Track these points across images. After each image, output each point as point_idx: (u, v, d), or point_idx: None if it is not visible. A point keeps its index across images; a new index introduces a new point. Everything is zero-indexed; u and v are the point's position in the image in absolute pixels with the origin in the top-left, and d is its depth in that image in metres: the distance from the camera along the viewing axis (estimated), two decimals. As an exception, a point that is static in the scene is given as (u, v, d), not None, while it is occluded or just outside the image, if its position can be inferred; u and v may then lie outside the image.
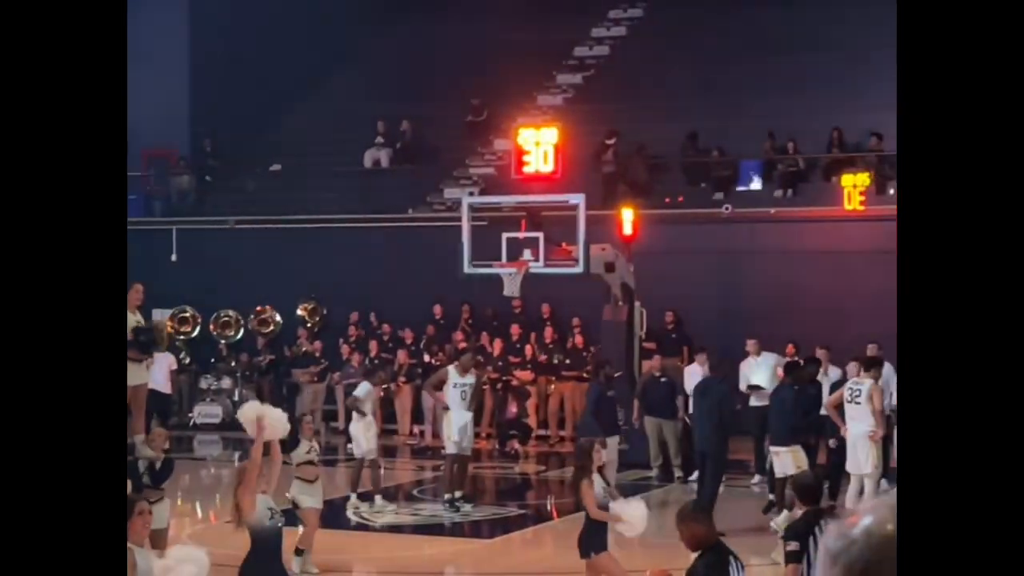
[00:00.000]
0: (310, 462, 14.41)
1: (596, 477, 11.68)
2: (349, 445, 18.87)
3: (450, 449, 17.77)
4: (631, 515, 11.68)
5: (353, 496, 17.55)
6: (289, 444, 13.09)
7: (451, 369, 18.20)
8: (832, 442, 17.65)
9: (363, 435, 17.48)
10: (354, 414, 17.95)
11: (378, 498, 17.57)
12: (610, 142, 26.60)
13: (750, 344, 20.17)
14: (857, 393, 16.00)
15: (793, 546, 8.74)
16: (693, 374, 19.69)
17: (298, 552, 14.01)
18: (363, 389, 18.04)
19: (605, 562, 11.52)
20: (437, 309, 25.84)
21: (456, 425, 17.67)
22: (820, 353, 19.71)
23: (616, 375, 18.97)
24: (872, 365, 16.53)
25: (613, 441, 17.58)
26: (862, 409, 15.86)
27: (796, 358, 19.39)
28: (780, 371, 18.72)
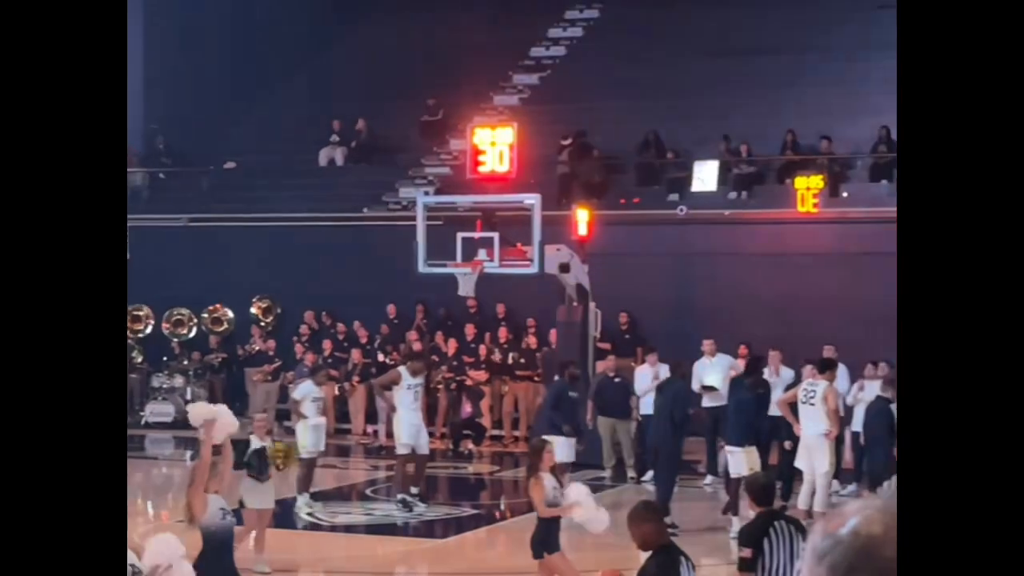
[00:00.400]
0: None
1: (547, 476, 11.71)
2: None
3: (401, 450, 17.74)
4: (583, 505, 11.68)
5: (300, 496, 17.45)
6: (241, 444, 13.03)
7: (403, 370, 18.16)
8: (788, 444, 17.76)
9: (301, 435, 17.43)
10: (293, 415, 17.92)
11: (304, 496, 17.44)
12: (566, 142, 26.64)
13: (706, 345, 20.24)
14: (812, 395, 16.10)
15: (746, 552, 8.69)
16: (643, 374, 19.76)
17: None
18: (300, 391, 17.96)
19: (557, 562, 11.54)
20: (391, 308, 25.79)
21: (409, 426, 17.64)
22: (772, 355, 19.82)
23: (576, 375, 19.04)
24: (827, 367, 16.63)
25: (571, 442, 17.63)
26: (817, 410, 15.96)
27: (749, 359, 19.50)
28: (735, 372, 18.80)
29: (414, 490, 17.83)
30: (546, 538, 11.53)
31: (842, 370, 18.11)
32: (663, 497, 16.39)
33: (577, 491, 11.83)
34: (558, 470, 16.28)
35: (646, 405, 19.12)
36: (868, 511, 2.05)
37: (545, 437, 14.58)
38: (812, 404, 16.05)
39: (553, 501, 11.59)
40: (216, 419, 10.41)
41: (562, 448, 17.41)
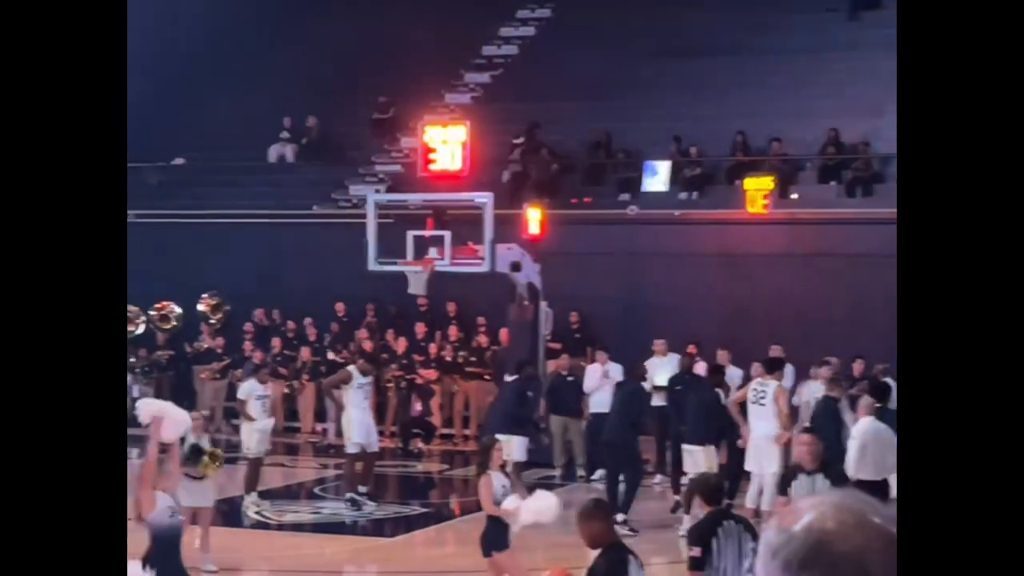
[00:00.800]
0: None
1: (496, 475, 11.72)
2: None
3: (351, 448, 17.70)
4: (531, 507, 11.70)
5: (248, 495, 17.36)
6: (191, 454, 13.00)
7: (353, 369, 18.13)
8: (741, 442, 17.83)
9: (246, 435, 17.40)
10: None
11: (252, 495, 17.39)
12: (518, 141, 26.66)
13: (657, 344, 20.30)
14: (762, 395, 16.18)
15: (696, 552, 8.74)
16: (593, 372, 19.79)
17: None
18: (243, 390, 17.89)
19: (506, 561, 11.55)
20: (340, 307, 25.71)
21: (360, 425, 17.61)
22: (721, 354, 19.93)
23: (534, 374, 19.10)
24: (775, 367, 16.73)
25: (525, 441, 17.68)
26: (767, 410, 16.05)
27: (697, 358, 19.61)
28: (700, 371, 18.85)
29: (363, 489, 17.79)
30: (495, 537, 11.54)
31: (788, 369, 18.23)
32: (629, 498, 16.45)
33: (538, 499, 11.83)
34: (513, 469, 16.35)
35: (596, 403, 19.15)
36: (822, 507, 2.07)
37: (500, 436, 14.66)
38: (762, 404, 16.13)
39: (502, 499, 11.61)
40: (165, 416, 10.33)
41: (518, 447, 17.45)
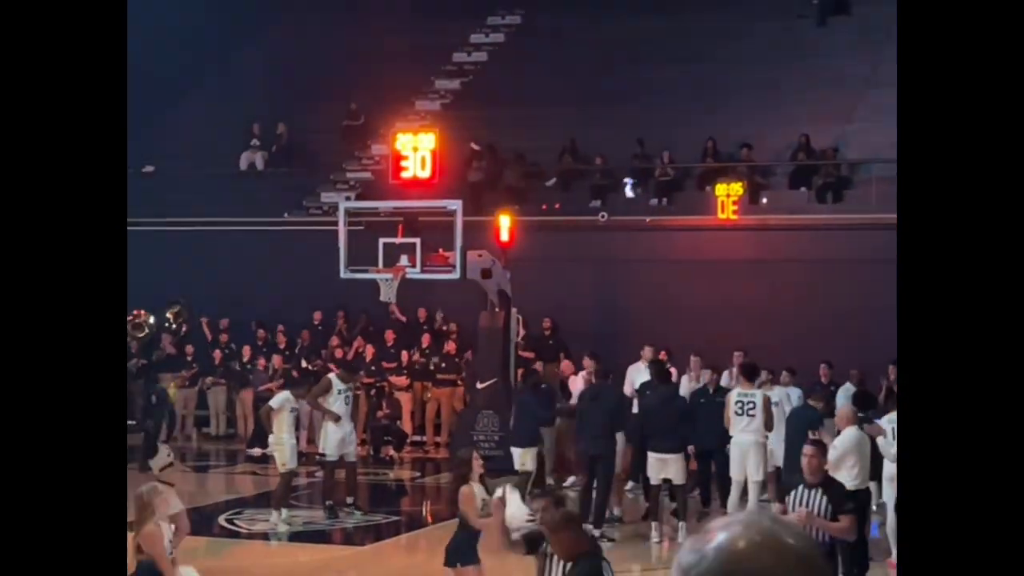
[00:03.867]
0: (170, 464, 13.97)
1: (476, 486, 11.57)
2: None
3: (331, 458, 17.65)
4: (512, 513, 11.61)
5: (277, 511, 17.23)
6: (148, 451, 12.86)
7: (333, 378, 18.07)
8: (690, 449, 17.78)
9: (278, 450, 17.18)
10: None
11: (283, 512, 17.28)
12: (477, 147, 26.66)
13: (646, 351, 20.16)
14: (751, 406, 16.17)
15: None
16: (578, 380, 19.54)
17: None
18: (277, 400, 17.49)
19: (469, 575, 11.32)
20: (317, 315, 25.67)
21: (336, 437, 17.55)
22: (693, 360, 19.91)
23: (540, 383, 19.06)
24: (755, 375, 16.71)
25: (533, 451, 17.62)
26: (756, 420, 16.06)
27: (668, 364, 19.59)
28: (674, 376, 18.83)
29: (349, 500, 17.75)
30: (465, 549, 11.28)
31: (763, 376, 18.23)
32: (602, 506, 16.38)
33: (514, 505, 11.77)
34: (525, 480, 16.41)
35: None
36: (733, 527, 2.11)
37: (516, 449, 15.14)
38: (751, 414, 16.11)
39: (482, 512, 11.45)
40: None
41: (529, 458, 17.32)
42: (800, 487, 10.82)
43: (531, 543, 9.19)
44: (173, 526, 10.16)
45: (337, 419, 17.52)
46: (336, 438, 17.52)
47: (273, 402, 17.51)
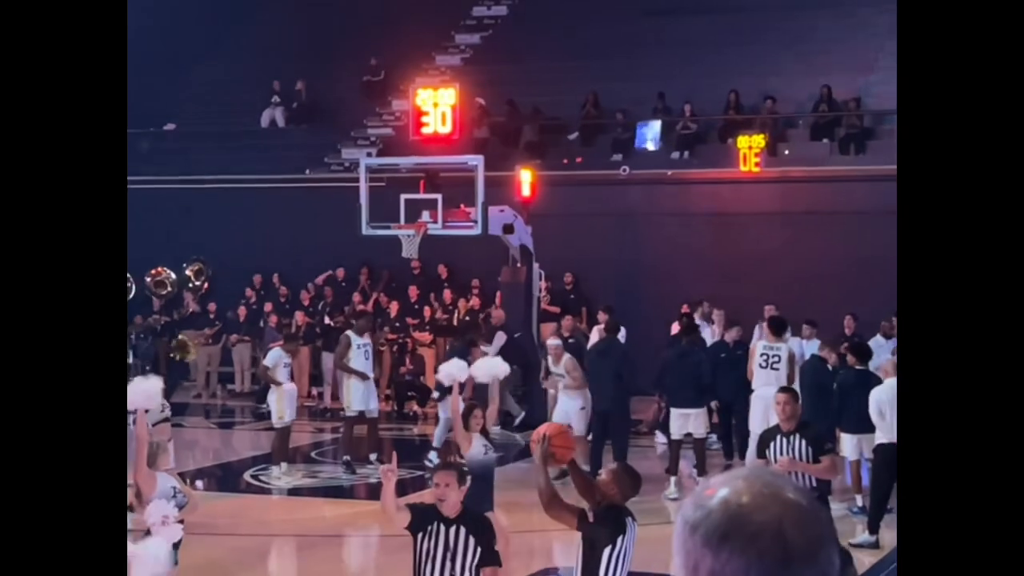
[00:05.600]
0: (166, 419, 14.00)
1: (477, 436, 11.82)
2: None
3: (350, 413, 17.76)
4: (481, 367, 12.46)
5: (277, 467, 17.38)
6: None
7: (350, 333, 18.15)
8: (714, 404, 17.83)
9: (275, 403, 17.34)
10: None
11: (283, 465, 17.43)
12: (482, 101, 26.63)
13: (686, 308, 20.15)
14: (776, 359, 16.18)
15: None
16: (596, 334, 19.50)
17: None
18: (271, 358, 17.74)
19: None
20: (340, 272, 25.77)
21: (358, 391, 17.65)
22: (716, 314, 19.91)
23: (516, 335, 19.04)
24: (783, 329, 16.70)
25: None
26: (781, 373, 16.07)
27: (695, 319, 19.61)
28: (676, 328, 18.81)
29: (373, 456, 17.86)
30: (477, 498, 11.41)
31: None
32: (621, 460, 16.39)
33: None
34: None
35: None
36: (735, 482, 2.13)
37: (690, 411, 15.92)
38: (776, 368, 16.12)
39: (481, 459, 11.67)
40: (140, 398, 9.97)
41: (704, 421, 16.90)
42: (778, 437, 10.89)
43: (419, 517, 8.11)
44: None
45: (364, 378, 17.64)
46: (357, 393, 17.63)
47: (267, 360, 17.69)
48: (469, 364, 13.79)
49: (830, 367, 15.90)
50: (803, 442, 10.75)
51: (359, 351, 17.78)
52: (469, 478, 8.51)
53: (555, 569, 13.36)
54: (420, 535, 8.04)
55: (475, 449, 11.67)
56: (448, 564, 7.97)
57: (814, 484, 10.69)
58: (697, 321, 19.85)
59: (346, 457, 17.76)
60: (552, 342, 17.46)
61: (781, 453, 10.79)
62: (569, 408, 16.71)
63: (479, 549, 8.01)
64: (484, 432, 12.00)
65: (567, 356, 17.03)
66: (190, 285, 26.86)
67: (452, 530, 8.02)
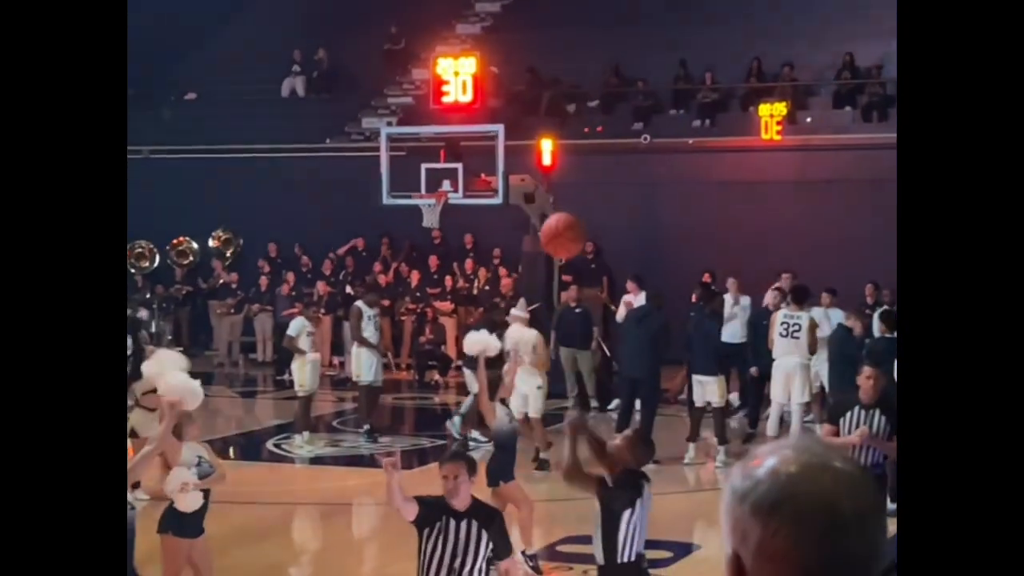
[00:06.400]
0: (154, 390, 13.91)
1: (499, 406, 11.90)
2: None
3: (364, 381, 17.86)
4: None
5: (299, 435, 17.46)
6: (133, 374, 12.81)
7: (360, 304, 18.30)
8: (754, 371, 17.87)
9: (298, 372, 17.43)
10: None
11: (305, 434, 17.52)
12: (495, 70, 26.54)
13: (708, 277, 20.12)
14: (796, 328, 16.15)
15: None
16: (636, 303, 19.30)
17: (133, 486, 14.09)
18: (294, 327, 17.81)
19: (511, 491, 11.63)
20: (360, 242, 25.80)
21: (367, 361, 17.77)
22: (729, 282, 19.86)
23: (535, 307, 19.01)
24: (805, 297, 16.65)
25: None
26: (801, 342, 16.03)
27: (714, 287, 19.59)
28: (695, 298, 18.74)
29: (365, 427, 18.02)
30: (502, 467, 11.66)
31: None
32: (647, 428, 16.41)
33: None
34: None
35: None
36: (783, 451, 2.11)
37: (706, 377, 15.87)
38: (796, 337, 16.09)
39: (509, 428, 11.75)
40: (185, 397, 9.90)
41: (721, 390, 16.75)
42: (856, 408, 10.83)
43: (428, 510, 7.88)
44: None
45: (374, 347, 17.74)
46: (369, 362, 17.74)
47: (291, 330, 17.77)
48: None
49: (856, 336, 15.87)
50: (883, 419, 10.71)
51: (369, 321, 18.01)
52: (479, 465, 8.43)
53: (577, 536, 13.41)
54: (427, 531, 7.72)
55: (499, 419, 11.74)
56: (456, 564, 7.65)
57: (881, 460, 10.66)
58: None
59: (366, 426, 17.85)
60: (516, 312, 16.85)
61: (857, 425, 10.75)
62: (527, 387, 15.90)
63: (491, 544, 7.74)
64: (504, 402, 12.07)
65: (535, 332, 16.73)
66: (220, 254, 26.93)
67: (463, 525, 7.70)
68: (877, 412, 10.72)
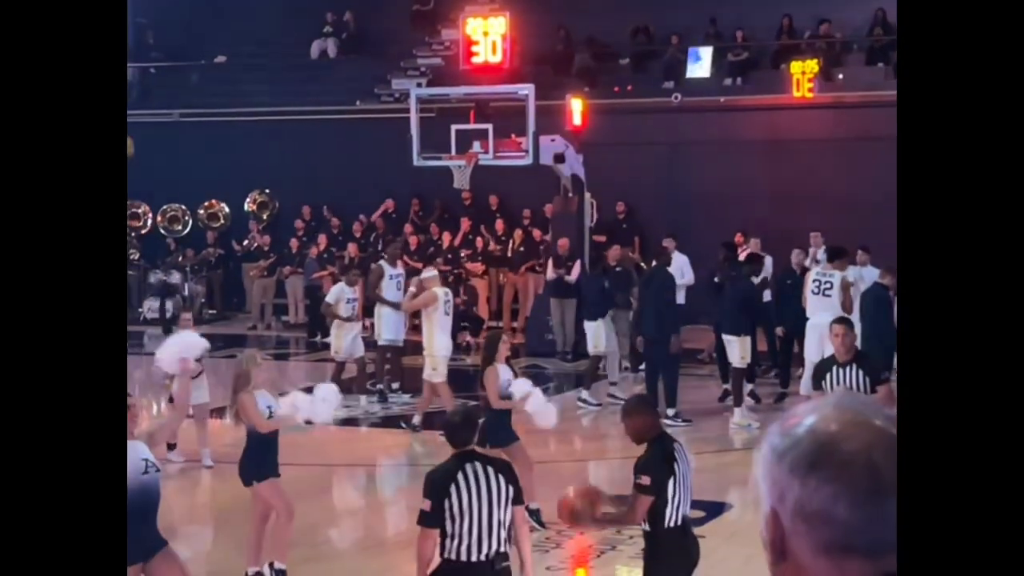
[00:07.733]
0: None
1: (502, 367, 11.79)
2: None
3: (382, 341, 17.92)
4: (533, 396, 11.81)
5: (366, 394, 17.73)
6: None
7: (383, 264, 18.33)
8: (779, 331, 17.84)
9: (336, 338, 17.55)
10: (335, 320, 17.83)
11: (361, 399, 17.67)
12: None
13: (739, 236, 20.06)
14: (828, 286, 16.09)
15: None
16: (678, 264, 19.26)
17: (170, 447, 14.27)
18: (333, 294, 17.92)
19: (515, 453, 11.44)
20: (389, 203, 25.80)
21: (389, 321, 17.78)
22: (752, 242, 19.79)
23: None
24: (838, 256, 16.58)
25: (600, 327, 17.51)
26: (832, 300, 15.97)
27: (746, 247, 19.53)
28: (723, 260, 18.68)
29: (395, 385, 18.06)
30: (496, 429, 11.18)
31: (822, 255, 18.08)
32: (672, 388, 16.40)
33: (522, 385, 11.90)
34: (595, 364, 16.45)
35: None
36: (823, 410, 2.08)
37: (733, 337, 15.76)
38: (828, 295, 16.03)
39: (507, 393, 11.68)
40: (184, 351, 10.42)
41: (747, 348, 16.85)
42: (834, 368, 10.78)
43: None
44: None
45: (397, 308, 17.73)
46: (389, 322, 17.77)
47: (329, 297, 17.90)
48: None
49: (892, 294, 15.79)
50: (860, 372, 10.68)
51: (391, 281, 17.93)
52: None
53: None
54: (452, 485, 7.61)
55: (502, 380, 11.68)
56: (484, 510, 7.63)
57: None
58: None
59: (379, 385, 17.98)
60: (427, 273, 16.70)
61: (837, 383, 10.73)
62: (444, 350, 16.20)
63: (511, 488, 7.75)
64: (508, 362, 12.01)
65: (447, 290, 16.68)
66: (255, 216, 27.01)
67: (489, 470, 7.73)
68: (853, 367, 10.69)
